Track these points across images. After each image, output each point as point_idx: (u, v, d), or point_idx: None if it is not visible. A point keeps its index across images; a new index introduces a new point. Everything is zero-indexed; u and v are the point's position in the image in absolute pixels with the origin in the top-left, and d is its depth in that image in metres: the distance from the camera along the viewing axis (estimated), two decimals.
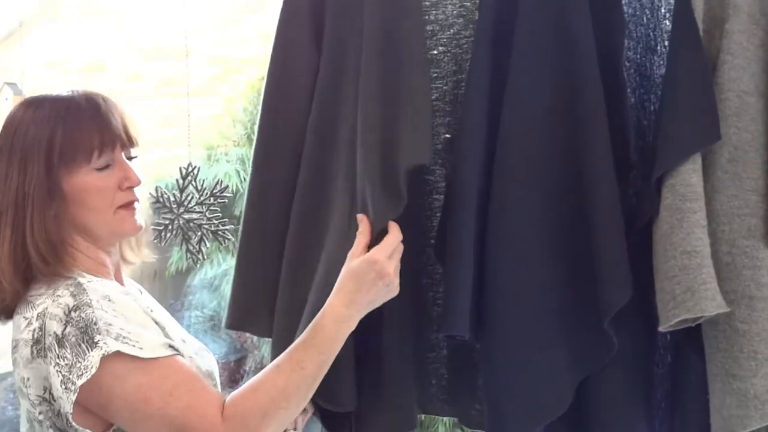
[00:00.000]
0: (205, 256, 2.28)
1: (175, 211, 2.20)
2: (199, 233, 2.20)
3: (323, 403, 1.59)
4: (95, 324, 1.35)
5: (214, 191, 2.22)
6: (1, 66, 9.30)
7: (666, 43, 1.61)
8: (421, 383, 1.76)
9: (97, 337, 1.34)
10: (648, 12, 1.64)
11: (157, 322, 1.48)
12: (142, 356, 1.36)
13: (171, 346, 1.41)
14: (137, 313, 1.42)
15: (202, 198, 2.21)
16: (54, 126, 1.46)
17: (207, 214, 2.21)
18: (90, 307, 1.37)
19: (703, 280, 1.37)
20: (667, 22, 1.62)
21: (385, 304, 1.54)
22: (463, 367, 1.72)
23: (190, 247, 2.20)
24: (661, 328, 1.41)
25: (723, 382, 1.41)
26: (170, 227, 2.19)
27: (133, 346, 1.36)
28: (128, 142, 1.52)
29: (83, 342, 1.34)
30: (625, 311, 1.47)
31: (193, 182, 2.22)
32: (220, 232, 2.20)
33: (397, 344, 1.64)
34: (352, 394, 1.59)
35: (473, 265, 1.52)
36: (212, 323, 6.47)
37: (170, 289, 6.58)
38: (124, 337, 1.36)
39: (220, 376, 1.62)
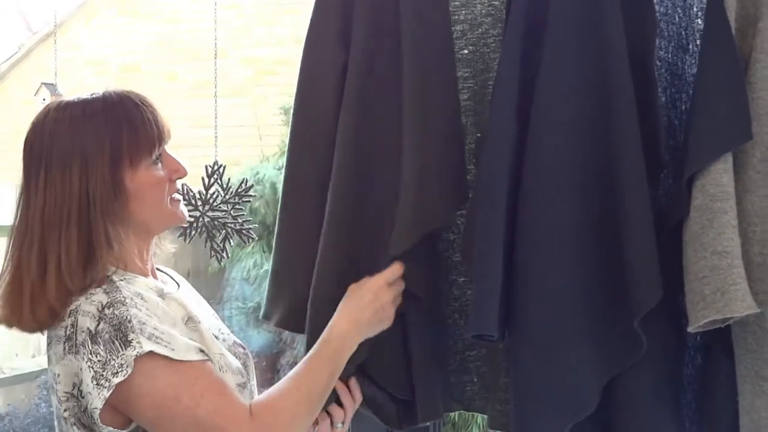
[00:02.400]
0: (230, 255, 2.29)
1: (201, 209, 2.22)
2: (224, 232, 2.21)
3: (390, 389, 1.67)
4: (129, 322, 1.36)
5: (239, 190, 2.23)
6: (38, 66, 9.44)
7: (698, 42, 1.60)
8: (463, 381, 1.77)
9: (131, 336, 1.35)
10: (680, 10, 1.63)
11: (191, 317, 1.49)
12: (174, 357, 1.37)
13: (201, 351, 1.42)
14: (167, 314, 1.43)
15: (227, 197, 2.23)
16: (115, 126, 1.46)
17: (232, 212, 2.22)
18: (124, 305, 1.38)
19: (734, 280, 1.35)
20: (700, 21, 1.60)
21: (420, 304, 1.62)
22: (491, 365, 1.72)
23: (215, 245, 2.22)
24: (690, 329, 1.40)
25: (752, 384, 1.40)
26: (195, 225, 2.21)
27: (166, 346, 1.37)
28: (169, 136, 1.55)
29: (117, 339, 1.35)
30: (655, 312, 1.45)
31: (219, 181, 2.23)
32: (244, 231, 2.21)
33: (422, 339, 1.66)
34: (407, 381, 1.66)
35: (502, 264, 1.52)
36: (255, 315, 6.55)
37: (208, 287, 6.65)
38: (157, 337, 1.37)
39: (258, 368, 1.65)
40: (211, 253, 2.24)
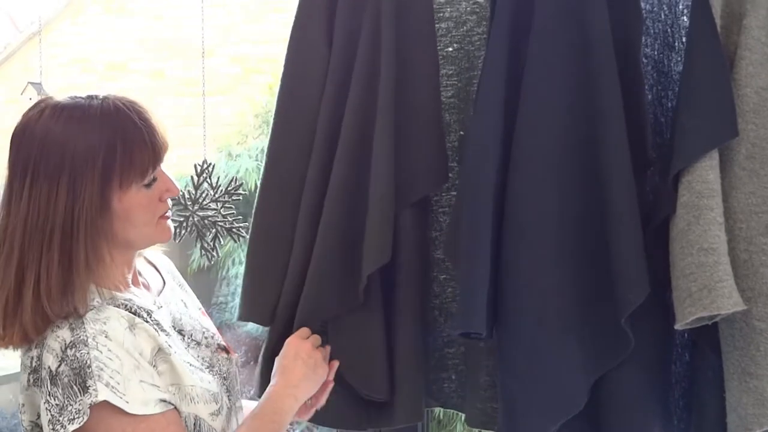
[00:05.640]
0: (220, 254, 2.27)
1: (190, 208, 2.20)
2: (214, 230, 2.20)
3: (365, 392, 1.67)
4: (89, 367, 1.33)
5: (229, 188, 2.21)
6: (24, 65, 9.39)
7: (684, 39, 1.60)
8: (441, 378, 1.77)
9: (89, 382, 1.32)
10: (666, 8, 1.63)
11: (161, 348, 1.43)
12: (128, 411, 1.34)
13: (163, 400, 1.38)
14: (130, 355, 1.38)
15: (216, 195, 2.21)
16: (109, 144, 1.38)
17: (222, 211, 2.21)
18: (86, 345, 1.34)
19: (720, 277, 1.36)
20: (685, 18, 1.61)
21: (400, 299, 1.62)
22: (471, 363, 1.72)
23: (205, 245, 2.20)
24: (678, 326, 1.40)
25: (739, 381, 1.40)
26: (185, 224, 2.19)
27: (121, 398, 1.33)
28: (166, 152, 1.47)
29: (75, 384, 1.32)
30: (642, 309, 1.46)
31: (208, 179, 2.22)
32: (234, 229, 2.20)
33: (409, 338, 1.65)
34: (385, 383, 1.67)
35: (489, 262, 1.51)
36: None
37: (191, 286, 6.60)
38: (113, 387, 1.33)
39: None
40: (201, 252, 2.23)
